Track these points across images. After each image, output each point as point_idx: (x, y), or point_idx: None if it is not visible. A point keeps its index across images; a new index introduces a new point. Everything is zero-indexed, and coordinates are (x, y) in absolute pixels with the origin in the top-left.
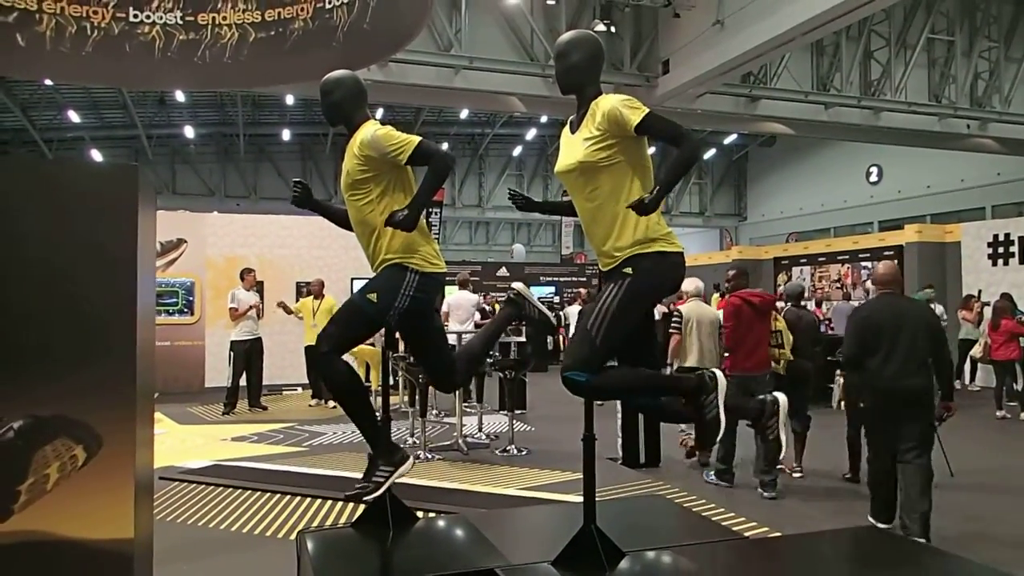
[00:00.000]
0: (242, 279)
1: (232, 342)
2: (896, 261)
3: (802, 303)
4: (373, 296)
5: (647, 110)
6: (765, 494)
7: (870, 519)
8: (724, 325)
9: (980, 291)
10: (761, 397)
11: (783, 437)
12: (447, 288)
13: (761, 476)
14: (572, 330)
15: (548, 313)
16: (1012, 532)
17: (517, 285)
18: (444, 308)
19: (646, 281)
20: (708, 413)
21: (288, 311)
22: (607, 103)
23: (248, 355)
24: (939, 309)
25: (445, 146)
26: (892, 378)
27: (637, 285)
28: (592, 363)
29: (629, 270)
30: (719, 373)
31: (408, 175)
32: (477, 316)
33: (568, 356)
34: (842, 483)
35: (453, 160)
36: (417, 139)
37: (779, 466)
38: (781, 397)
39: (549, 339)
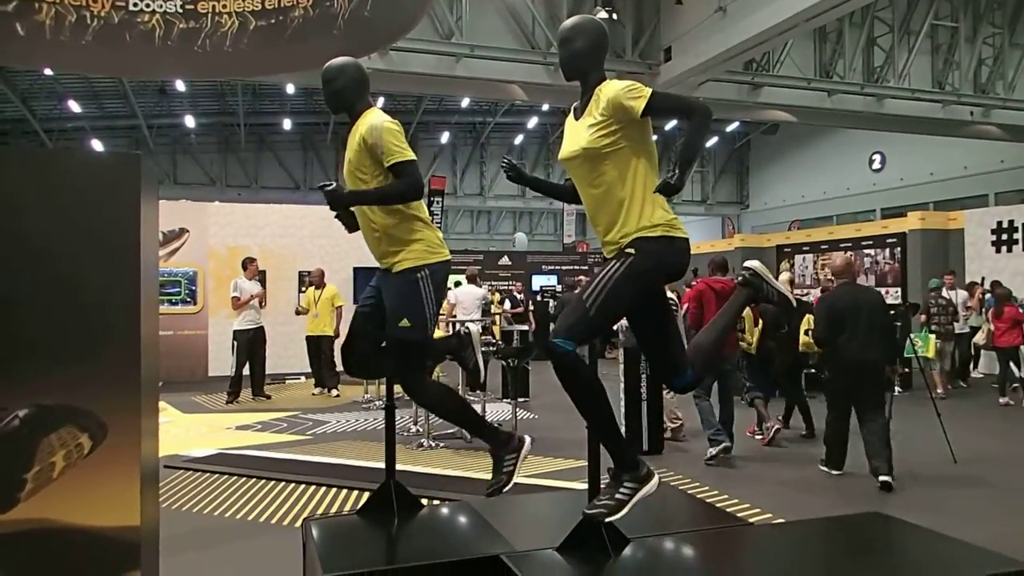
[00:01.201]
0: (244, 269)
1: (235, 331)
2: (847, 256)
3: None
4: (405, 322)
5: (649, 93)
6: (712, 457)
7: (823, 468)
8: (688, 308)
9: (983, 278)
10: (739, 278)
11: (786, 291)
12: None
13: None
14: None
15: (788, 294)
16: (1015, 518)
17: (754, 264)
18: (452, 300)
19: (649, 260)
20: (772, 298)
21: (301, 312)
22: (610, 90)
23: (251, 344)
24: (963, 295)
25: (445, 137)
26: (856, 352)
27: (639, 263)
28: (582, 332)
29: (632, 250)
30: (753, 262)
31: None
32: (476, 314)
33: (559, 322)
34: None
35: (417, 196)
36: (412, 156)
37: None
38: (753, 262)
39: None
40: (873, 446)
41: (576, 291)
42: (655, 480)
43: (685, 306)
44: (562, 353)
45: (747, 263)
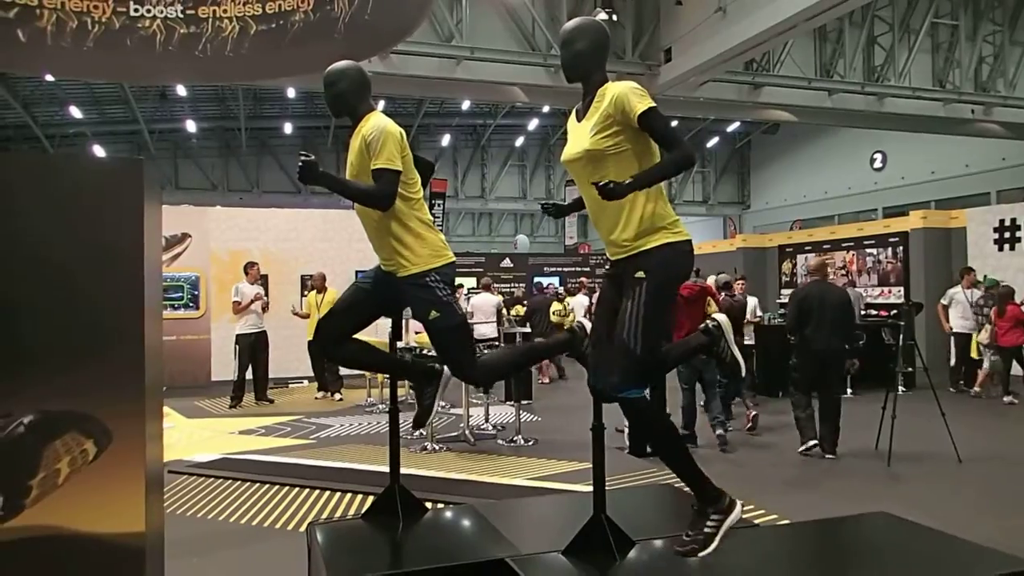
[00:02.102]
0: (246, 273)
1: (237, 336)
2: (822, 258)
3: (732, 292)
4: (435, 313)
5: (653, 103)
6: (721, 440)
7: (804, 453)
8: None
9: (985, 276)
10: (702, 326)
11: (738, 355)
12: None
13: (717, 420)
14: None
15: (739, 358)
16: (1019, 517)
17: (720, 317)
18: (470, 308)
19: (661, 278)
20: (725, 357)
21: (301, 315)
22: (617, 88)
23: (253, 348)
24: (979, 294)
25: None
26: (820, 341)
27: (654, 285)
28: (639, 375)
29: (641, 273)
30: (722, 318)
31: (410, 168)
32: (493, 319)
33: (610, 372)
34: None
35: (382, 206)
36: (398, 169)
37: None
38: (721, 318)
39: None
40: (830, 421)
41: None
42: (738, 508)
43: None
44: (629, 402)
45: (716, 315)
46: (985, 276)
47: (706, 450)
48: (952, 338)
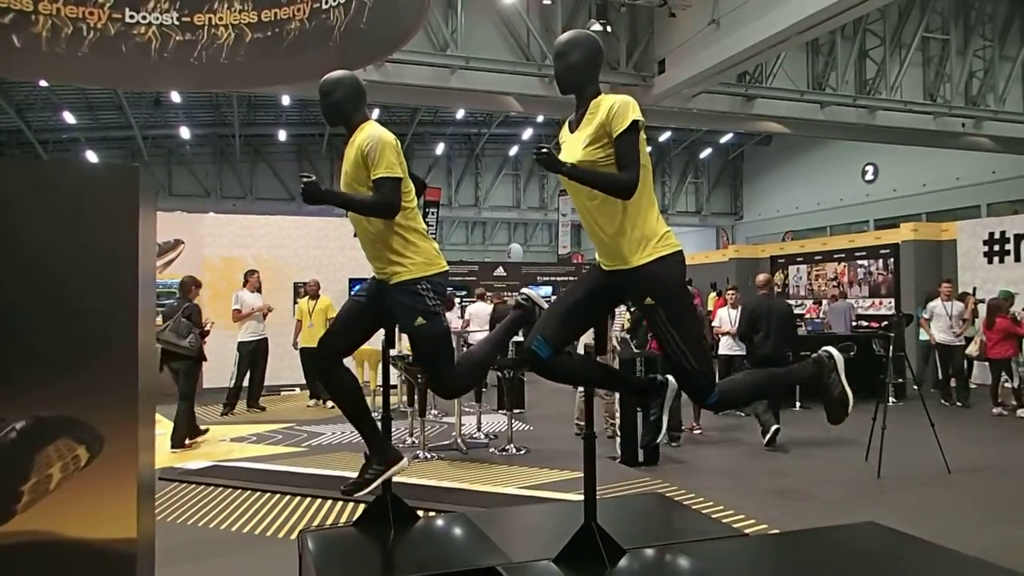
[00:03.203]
0: (245, 281)
1: (238, 343)
2: (770, 273)
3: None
4: (421, 320)
5: (631, 123)
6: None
7: (769, 446)
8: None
9: (975, 289)
10: (814, 355)
11: (848, 390)
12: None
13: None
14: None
15: (849, 393)
16: (1010, 528)
17: (527, 291)
18: (467, 316)
19: (669, 292)
20: (834, 391)
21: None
22: (610, 101)
23: (253, 356)
24: (959, 306)
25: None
26: (768, 346)
27: (667, 302)
28: (710, 382)
29: (650, 301)
30: (834, 351)
31: (406, 179)
32: (487, 327)
33: (690, 392)
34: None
35: (391, 215)
36: (400, 176)
37: (683, 428)
38: (835, 352)
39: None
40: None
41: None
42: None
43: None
44: (714, 404)
45: (523, 289)
46: (1000, 290)
47: (693, 455)
48: (936, 350)
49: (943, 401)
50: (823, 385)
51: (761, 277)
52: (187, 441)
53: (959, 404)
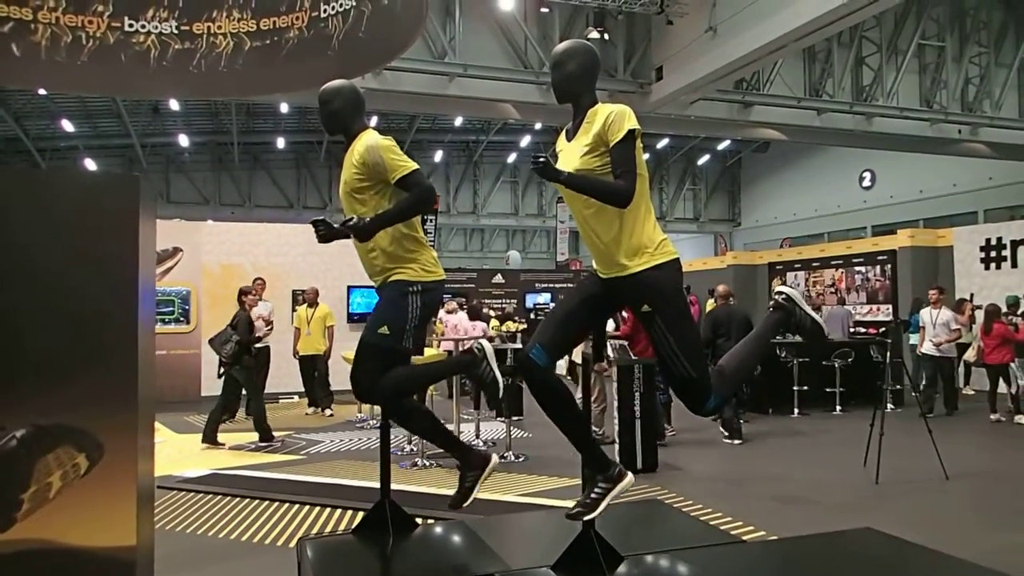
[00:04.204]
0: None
1: None
2: (726, 287)
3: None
4: (385, 330)
5: (627, 132)
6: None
7: (730, 439)
8: (624, 321)
9: (972, 295)
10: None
11: (499, 377)
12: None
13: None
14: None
15: (820, 320)
16: (1007, 534)
17: (787, 290)
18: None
19: (667, 299)
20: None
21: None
22: (607, 110)
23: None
24: (946, 315)
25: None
26: (728, 349)
27: (665, 309)
28: (704, 386)
29: (647, 308)
30: (484, 343)
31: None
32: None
33: (690, 401)
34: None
35: (433, 202)
36: (415, 166)
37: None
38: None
39: None
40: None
41: None
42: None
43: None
44: (712, 410)
45: (781, 288)
46: (1007, 295)
47: (690, 460)
48: (920, 360)
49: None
50: (790, 325)
51: (721, 288)
52: (265, 440)
53: (945, 413)
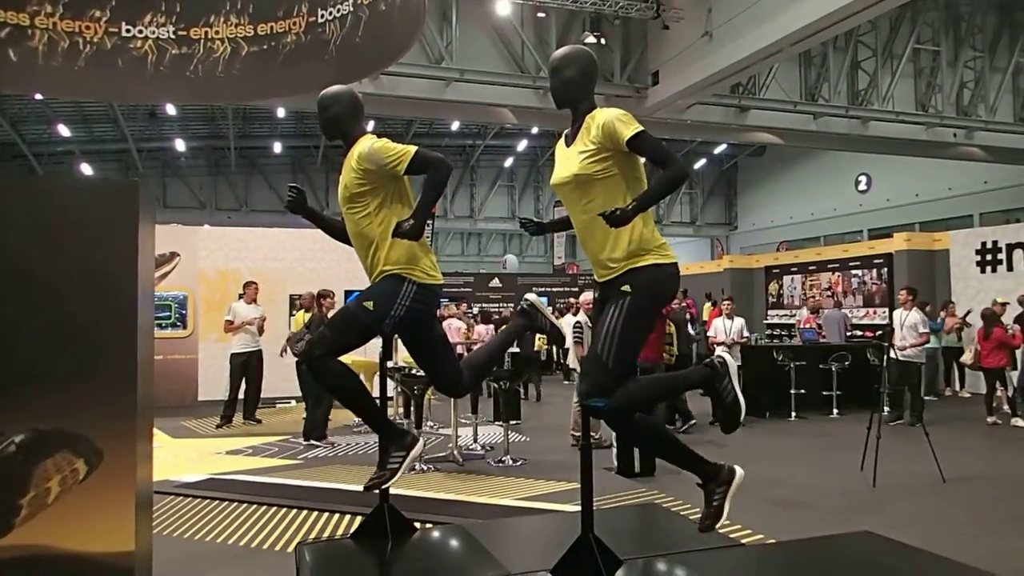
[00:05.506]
0: (243, 293)
1: (230, 355)
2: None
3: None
4: (369, 304)
5: (641, 127)
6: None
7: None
8: None
9: (954, 300)
10: (707, 360)
11: (740, 397)
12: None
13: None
14: (569, 341)
15: (559, 324)
16: (1004, 537)
17: (530, 296)
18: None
19: (645, 296)
20: (727, 398)
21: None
22: (603, 116)
23: (244, 368)
24: (915, 317)
25: None
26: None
27: (637, 302)
28: (608, 387)
29: (627, 288)
30: (727, 356)
31: (405, 187)
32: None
33: (584, 383)
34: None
35: (450, 167)
36: (414, 148)
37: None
38: (727, 356)
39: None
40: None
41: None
42: (739, 474)
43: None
44: (598, 411)
45: (527, 295)
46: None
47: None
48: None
49: (889, 421)
50: (715, 391)
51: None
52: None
53: (909, 423)
